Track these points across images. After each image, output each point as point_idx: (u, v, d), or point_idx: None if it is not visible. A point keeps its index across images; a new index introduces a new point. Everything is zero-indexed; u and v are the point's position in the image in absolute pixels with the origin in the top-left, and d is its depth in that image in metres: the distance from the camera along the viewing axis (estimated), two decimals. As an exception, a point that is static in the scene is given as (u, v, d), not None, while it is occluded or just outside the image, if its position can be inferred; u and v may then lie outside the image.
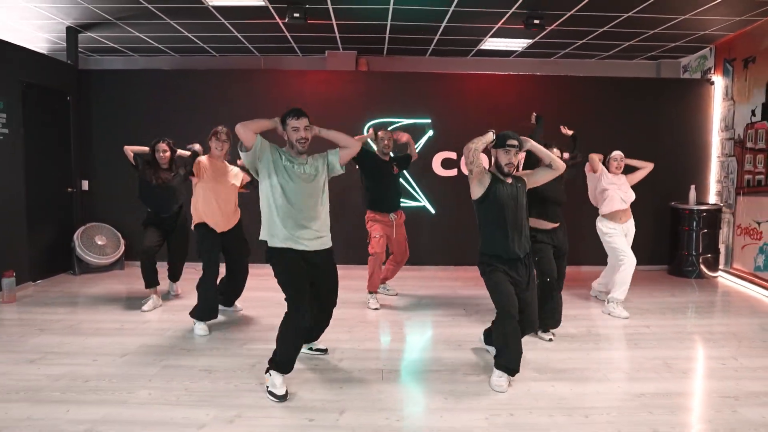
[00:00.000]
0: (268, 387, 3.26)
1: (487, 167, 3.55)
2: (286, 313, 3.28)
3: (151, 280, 5.15)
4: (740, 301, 5.77)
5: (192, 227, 4.63)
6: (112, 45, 7.49)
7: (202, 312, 4.43)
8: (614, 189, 5.15)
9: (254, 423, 2.92)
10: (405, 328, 4.75)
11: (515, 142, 3.48)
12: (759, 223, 6.16)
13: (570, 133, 4.97)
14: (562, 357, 3.96)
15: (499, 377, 3.39)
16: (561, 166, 3.60)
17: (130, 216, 7.04)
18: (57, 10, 5.97)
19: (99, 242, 6.72)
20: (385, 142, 5.25)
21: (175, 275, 5.59)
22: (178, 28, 6.62)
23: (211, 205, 4.49)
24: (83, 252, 6.52)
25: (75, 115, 6.91)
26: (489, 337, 3.91)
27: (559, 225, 4.46)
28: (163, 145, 5.22)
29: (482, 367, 3.72)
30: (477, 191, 3.48)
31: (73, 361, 3.74)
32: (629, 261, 5.09)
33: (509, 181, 3.52)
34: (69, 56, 6.86)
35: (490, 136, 3.53)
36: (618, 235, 5.16)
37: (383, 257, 5.28)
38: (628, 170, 5.38)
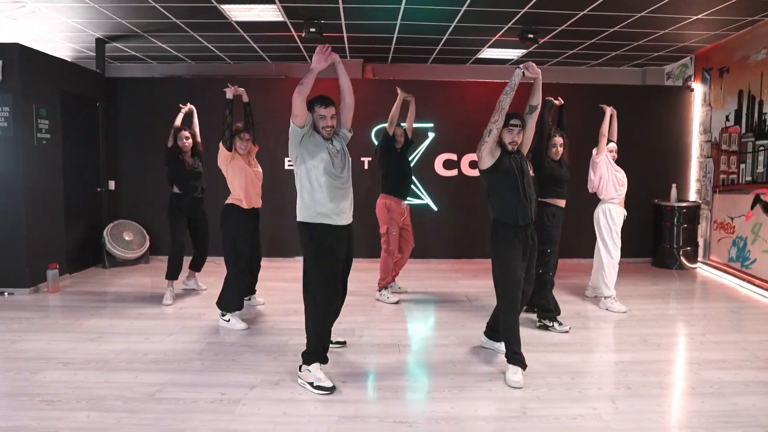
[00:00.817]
0: (312, 383, 3.36)
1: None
2: (313, 300, 3.43)
3: (177, 273, 5.52)
4: (715, 289, 6.37)
5: (222, 217, 4.75)
6: (134, 54, 8.02)
7: (239, 301, 4.65)
8: (622, 176, 5.40)
9: (296, 385, 3.48)
10: (414, 312, 5.32)
11: (518, 122, 3.65)
12: (732, 218, 6.78)
13: (559, 102, 5.12)
14: (552, 334, 4.54)
15: (514, 373, 3.52)
16: (537, 100, 3.78)
17: (153, 213, 7.60)
18: (90, 25, 6.50)
19: (126, 238, 7.26)
20: (397, 138, 5.67)
21: (199, 265, 5.89)
22: (200, 39, 7.17)
23: (248, 186, 4.75)
24: (113, 247, 7.06)
25: (103, 120, 7.44)
26: (494, 333, 4.07)
27: None
28: (185, 132, 5.62)
29: (480, 341, 4.30)
30: (487, 161, 3.61)
31: (129, 340, 4.30)
32: (618, 256, 5.42)
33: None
34: (98, 65, 7.40)
35: (519, 73, 3.67)
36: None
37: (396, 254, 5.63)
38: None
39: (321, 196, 3.44)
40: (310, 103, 3.50)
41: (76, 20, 6.30)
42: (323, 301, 3.47)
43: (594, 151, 5.44)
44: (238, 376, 3.60)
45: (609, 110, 5.43)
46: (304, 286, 3.55)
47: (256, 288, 5.36)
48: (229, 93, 4.95)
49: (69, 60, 7.42)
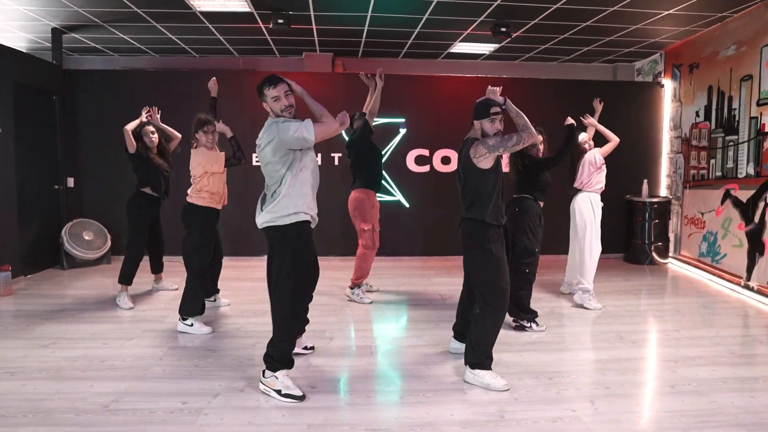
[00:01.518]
0: (280, 391, 3.18)
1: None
2: (285, 301, 3.19)
3: (133, 277, 5.20)
4: (686, 284, 6.39)
5: (187, 214, 4.53)
6: (94, 45, 7.68)
7: (200, 305, 4.41)
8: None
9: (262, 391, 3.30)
10: (386, 312, 5.18)
11: (498, 108, 3.40)
12: (702, 214, 6.81)
13: (569, 123, 4.91)
14: (529, 333, 4.45)
15: (494, 378, 3.39)
16: (530, 138, 3.41)
17: (115, 212, 7.27)
18: (45, 13, 6.17)
19: (86, 237, 6.95)
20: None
21: (161, 266, 5.73)
22: (163, 30, 6.88)
23: (218, 191, 4.57)
24: (72, 247, 6.74)
25: (61, 114, 7.10)
26: (464, 328, 3.83)
27: None
28: (150, 128, 5.35)
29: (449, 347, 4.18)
30: (489, 162, 3.40)
31: (85, 345, 4.05)
32: (599, 248, 5.32)
33: None
34: (54, 57, 7.05)
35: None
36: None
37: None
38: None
39: (308, 197, 3.28)
40: (259, 92, 3.29)
41: (30, 8, 5.97)
42: (297, 302, 3.31)
43: (597, 153, 5.42)
44: (200, 383, 3.40)
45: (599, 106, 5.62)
46: (274, 287, 3.32)
47: (219, 287, 5.16)
48: (213, 90, 5.00)
49: (24, 51, 7.06)
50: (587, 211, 5.30)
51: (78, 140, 7.31)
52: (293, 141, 3.14)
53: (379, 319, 4.97)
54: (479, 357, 3.42)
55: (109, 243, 7.13)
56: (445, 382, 3.47)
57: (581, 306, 5.21)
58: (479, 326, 3.46)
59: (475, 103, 3.53)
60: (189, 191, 4.58)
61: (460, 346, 3.90)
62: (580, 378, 3.54)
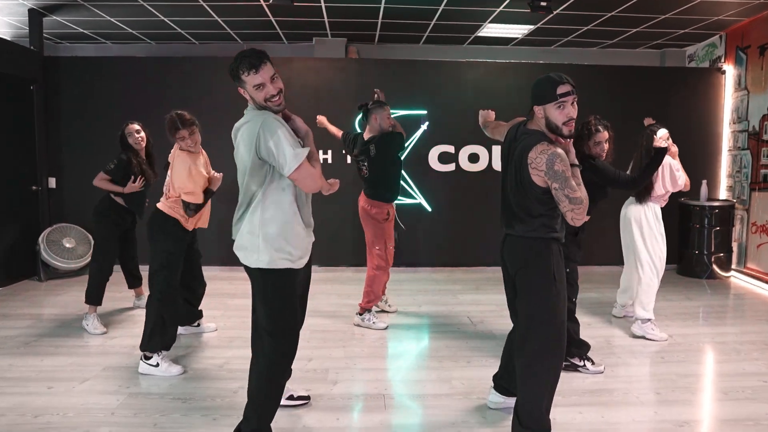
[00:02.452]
0: None
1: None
2: (266, 360, 2.47)
3: (102, 296, 4.42)
4: (759, 304, 5.39)
5: (154, 225, 3.72)
6: (82, 31, 6.91)
7: (168, 338, 3.56)
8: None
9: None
10: (404, 342, 4.29)
11: (569, 87, 2.51)
12: (778, 221, 5.80)
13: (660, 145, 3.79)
14: (583, 375, 3.52)
15: None
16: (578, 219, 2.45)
17: (101, 216, 6.51)
18: (16, -10, 5.41)
19: (67, 245, 6.17)
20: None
21: (138, 279, 4.94)
22: (153, 11, 6.07)
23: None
24: (49, 256, 5.97)
25: (40, 105, 6.33)
26: (509, 381, 2.94)
27: None
28: (134, 126, 4.51)
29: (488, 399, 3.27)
30: (544, 181, 2.48)
31: (25, 389, 3.23)
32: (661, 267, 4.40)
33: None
34: (32, 42, 6.28)
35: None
36: None
37: None
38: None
39: (299, 227, 2.49)
40: (234, 76, 2.46)
41: (-3, -16, 5.21)
42: (286, 354, 2.51)
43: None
44: (155, 452, 2.55)
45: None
46: (257, 332, 2.54)
47: (202, 310, 4.31)
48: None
49: (2, 37, 6.31)
50: (650, 224, 4.35)
51: (60, 135, 6.53)
52: (268, 154, 2.33)
53: (396, 352, 4.08)
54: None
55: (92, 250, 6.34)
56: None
57: (642, 337, 4.25)
58: (530, 380, 2.54)
59: (533, 84, 2.61)
60: (162, 199, 3.74)
61: (503, 400, 3.00)
62: (667, 453, 2.61)
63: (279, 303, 2.43)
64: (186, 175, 3.54)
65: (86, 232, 6.36)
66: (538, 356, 2.53)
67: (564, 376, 3.38)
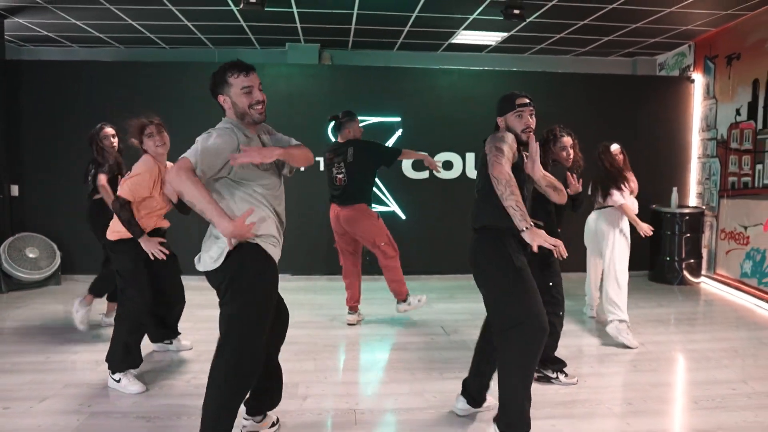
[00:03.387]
0: None
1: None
2: (229, 354, 2.39)
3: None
4: (727, 310, 5.47)
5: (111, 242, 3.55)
6: (46, 33, 6.72)
7: (135, 356, 3.41)
8: None
9: None
10: (377, 353, 4.23)
11: (526, 99, 2.77)
12: (746, 228, 5.88)
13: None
14: (555, 386, 3.50)
15: None
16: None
17: (67, 224, 6.33)
18: (-25, -9, 5.23)
19: (30, 255, 5.98)
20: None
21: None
22: (120, 14, 5.93)
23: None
24: (11, 267, 5.77)
25: (1, 110, 6.13)
26: (478, 388, 3.03)
27: None
28: (110, 129, 4.41)
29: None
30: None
31: (-17, 408, 3.09)
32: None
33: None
34: (-7, 45, 6.09)
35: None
36: None
37: None
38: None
39: (269, 219, 2.52)
40: (217, 82, 2.48)
41: (-46, -16, 5.02)
42: (244, 354, 2.41)
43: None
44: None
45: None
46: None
47: (179, 329, 4.12)
48: None
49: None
50: (620, 235, 4.48)
51: (21, 141, 6.33)
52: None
53: (368, 364, 4.02)
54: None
55: (58, 261, 6.16)
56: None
57: (617, 339, 4.26)
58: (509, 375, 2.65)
59: (498, 100, 2.87)
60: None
61: (468, 408, 3.04)
62: (639, 466, 2.59)
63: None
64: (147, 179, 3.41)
65: (50, 241, 6.17)
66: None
67: (537, 387, 3.37)
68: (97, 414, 3.06)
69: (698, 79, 6.86)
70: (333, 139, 6.58)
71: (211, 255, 2.42)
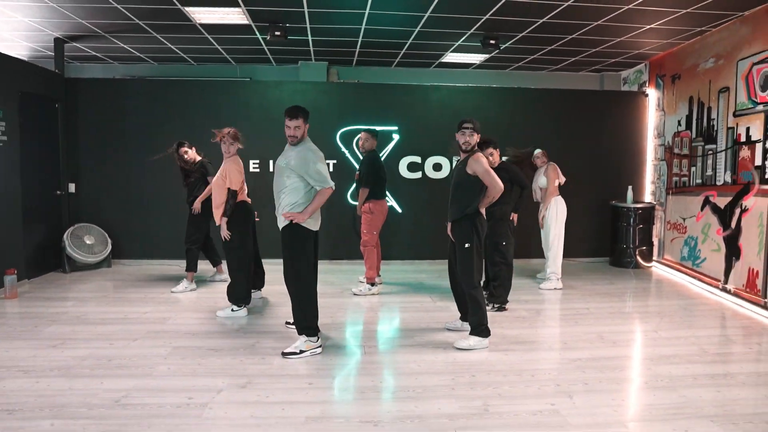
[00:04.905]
0: (305, 350, 4.07)
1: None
2: (301, 279, 4.10)
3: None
4: (669, 287, 6.65)
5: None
6: (94, 54, 7.88)
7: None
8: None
9: (263, 387, 3.52)
10: (379, 314, 5.41)
11: (470, 125, 4.30)
12: (684, 219, 7.08)
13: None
14: (514, 333, 4.68)
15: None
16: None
17: (114, 217, 7.50)
18: (49, 24, 6.37)
19: (87, 241, 7.13)
20: (361, 142, 6.09)
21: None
22: (163, 40, 7.10)
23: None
24: (73, 251, 6.93)
25: (63, 121, 7.29)
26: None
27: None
28: (184, 148, 6.15)
29: (447, 342, 4.40)
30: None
31: (92, 345, 4.25)
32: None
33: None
34: (56, 65, 7.25)
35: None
36: None
37: None
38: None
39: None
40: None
41: (35, 19, 6.17)
42: (309, 279, 4.23)
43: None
44: (204, 380, 3.61)
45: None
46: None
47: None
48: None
49: (26, 59, 7.26)
50: (557, 215, 6.40)
51: (78, 147, 7.50)
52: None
53: (373, 318, 5.20)
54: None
55: (109, 247, 7.31)
56: (433, 379, 3.70)
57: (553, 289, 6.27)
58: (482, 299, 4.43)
59: None
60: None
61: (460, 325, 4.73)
62: (560, 375, 3.77)
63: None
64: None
65: (102, 230, 7.33)
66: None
67: (497, 332, 4.56)
68: (179, 348, 4.23)
69: (652, 93, 8.05)
70: (341, 147, 7.77)
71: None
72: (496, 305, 5.32)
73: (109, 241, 7.35)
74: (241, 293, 5.10)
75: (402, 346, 4.36)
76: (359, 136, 6.20)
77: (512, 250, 5.44)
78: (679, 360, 4.05)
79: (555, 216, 6.32)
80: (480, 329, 4.28)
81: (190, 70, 8.75)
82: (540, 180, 6.39)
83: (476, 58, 8.14)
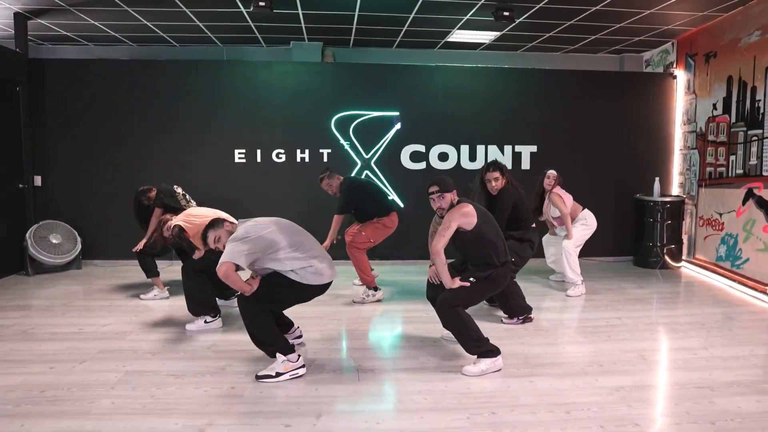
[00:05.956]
0: (283, 371, 3.39)
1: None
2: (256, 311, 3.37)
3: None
4: (704, 291, 5.88)
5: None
6: (65, 33, 7.12)
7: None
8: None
9: (227, 431, 2.78)
10: (377, 324, 4.66)
11: (436, 188, 3.76)
12: (720, 215, 6.30)
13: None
14: (538, 351, 3.93)
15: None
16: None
17: (86, 213, 6.77)
18: (4, -5, 5.62)
19: (54, 240, 6.40)
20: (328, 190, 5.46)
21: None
22: (136, 15, 6.33)
23: None
24: (36, 251, 6.20)
25: (25, 106, 6.54)
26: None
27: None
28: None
29: (461, 363, 3.65)
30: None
31: (28, 370, 3.51)
32: None
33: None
34: (18, 44, 6.49)
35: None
36: None
37: None
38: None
39: None
40: None
41: (-14, -11, 5.42)
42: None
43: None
44: (154, 421, 2.86)
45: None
46: None
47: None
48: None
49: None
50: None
51: (45, 135, 6.75)
52: None
53: (367, 334, 4.45)
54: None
55: (79, 246, 6.58)
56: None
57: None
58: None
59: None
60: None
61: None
62: (602, 411, 3.01)
63: None
64: None
65: (72, 228, 6.59)
66: None
67: (518, 351, 3.81)
68: (132, 373, 3.48)
69: (680, 75, 7.26)
70: (336, 134, 7.02)
71: None
72: (520, 317, 4.58)
73: (79, 239, 6.61)
74: (203, 298, 4.38)
75: (405, 371, 3.60)
76: (322, 184, 5.47)
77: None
78: (744, 389, 3.29)
79: (585, 224, 5.67)
80: (485, 350, 3.54)
81: (173, 53, 7.98)
82: (551, 211, 5.68)
83: (486, 37, 7.34)
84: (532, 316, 4.61)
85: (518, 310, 4.56)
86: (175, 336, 4.21)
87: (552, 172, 5.61)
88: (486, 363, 3.50)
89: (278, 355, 3.40)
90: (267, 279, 3.45)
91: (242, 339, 4.11)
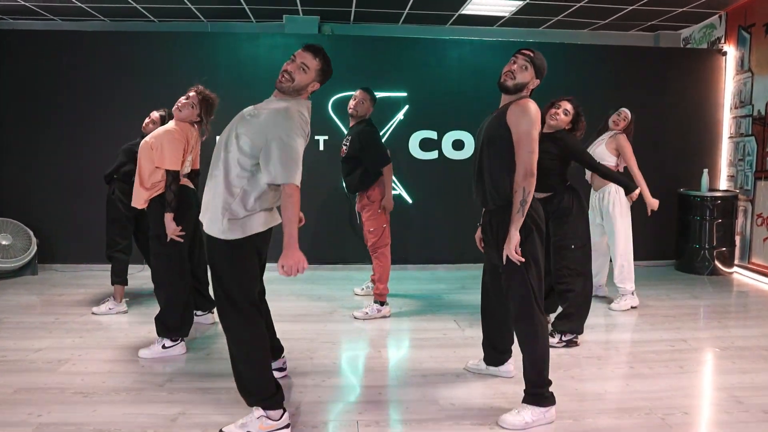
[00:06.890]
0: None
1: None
2: (240, 320, 2.45)
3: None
4: (766, 302, 4.94)
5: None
6: (25, 4, 6.19)
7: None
8: None
9: None
10: (384, 351, 3.72)
11: (529, 53, 2.85)
12: (787, 212, 5.35)
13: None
14: (595, 389, 2.98)
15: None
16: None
17: (44, 210, 5.85)
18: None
19: (4, 242, 5.48)
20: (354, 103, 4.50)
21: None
22: (101, -21, 5.40)
23: None
24: (-19, 254, 5.28)
25: (-29, 85, 5.62)
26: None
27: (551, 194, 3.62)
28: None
29: (496, 408, 2.71)
30: None
31: None
32: None
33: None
34: (-38, 13, 5.57)
35: None
36: None
37: None
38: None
39: None
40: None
41: None
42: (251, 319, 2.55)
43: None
44: None
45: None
46: None
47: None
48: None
49: None
50: (620, 206, 4.58)
51: (-6, 119, 5.83)
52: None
53: (373, 365, 3.51)
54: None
55: (34, 248, 5.65)
56: None
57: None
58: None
59: None
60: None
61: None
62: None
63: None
64: None
65: (27, 228, 5.67)
66: None
67: (569, 387, 2.87)
68: (47, 424, 2.54)
69: (731, 51, 6.30)
70: (334, 118, 6.10)
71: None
72: (564, 337, 3.61)
73: (35, 240, 5.68)
74: (172, 320, 3.43)
75: (420, 423, 2.65)
76: (354, 94, 4.51)
77: (590, 253, 3.71)
78: None
79: (619, 205, 4.52)
80: (539, 395, 2.59)
81: (151, 29, 7.05)
82: (598, 150, 4.62)
83: (505, 8, 6.38)
84: (577, 340, 3.65)
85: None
86: (123, 366, 3.27)
87: (626, 111, 4.68)
88: (533, 413, 2.55)
89: (256, 409, 2.44)
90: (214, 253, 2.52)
91: (210, 371, 3.19)
